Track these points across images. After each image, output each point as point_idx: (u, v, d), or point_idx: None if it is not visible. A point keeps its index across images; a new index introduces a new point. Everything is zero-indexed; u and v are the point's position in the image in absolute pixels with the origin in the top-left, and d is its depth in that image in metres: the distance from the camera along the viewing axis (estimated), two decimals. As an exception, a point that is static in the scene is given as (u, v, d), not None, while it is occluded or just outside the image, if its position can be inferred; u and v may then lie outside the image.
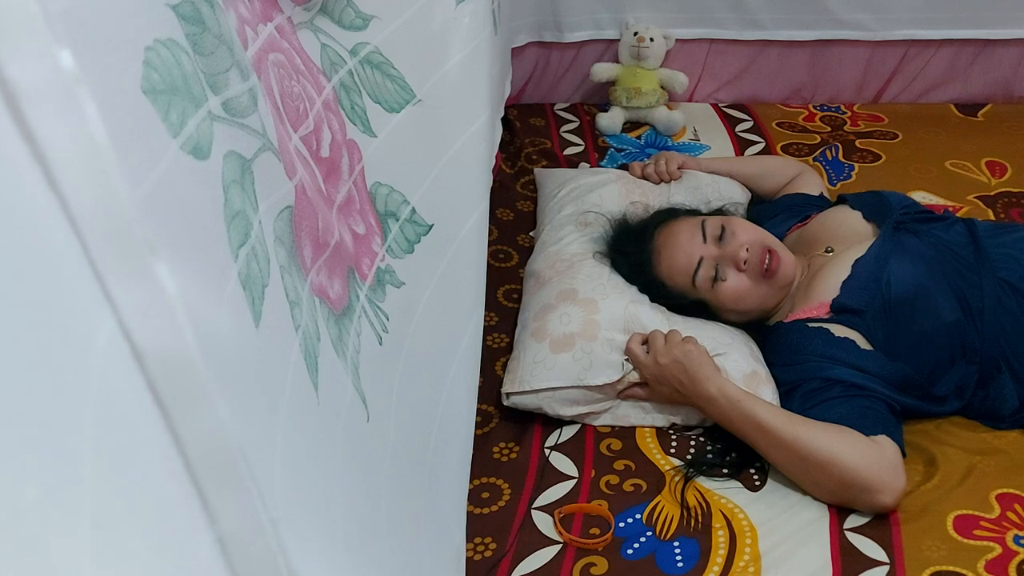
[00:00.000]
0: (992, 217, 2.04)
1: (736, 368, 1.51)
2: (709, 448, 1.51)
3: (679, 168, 2.00)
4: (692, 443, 1.54)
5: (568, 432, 1.56)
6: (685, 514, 1.39)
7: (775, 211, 1.92)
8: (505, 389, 1.56)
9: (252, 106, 0.66)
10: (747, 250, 1.58)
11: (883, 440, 1.37)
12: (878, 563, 1.29)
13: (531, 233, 2.04)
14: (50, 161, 0.45)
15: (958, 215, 1.90)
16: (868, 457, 1.34)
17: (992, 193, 2.14)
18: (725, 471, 1.46)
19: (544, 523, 1.40)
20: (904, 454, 1.39)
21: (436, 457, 1.15)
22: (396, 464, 0.96)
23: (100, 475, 0.47)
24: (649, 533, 1.37)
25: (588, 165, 2.31)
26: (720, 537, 1.35)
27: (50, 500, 0.44)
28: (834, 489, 1.37)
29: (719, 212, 1.80)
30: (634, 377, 1.54)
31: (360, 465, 0.82)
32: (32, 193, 0.45)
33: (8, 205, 0.43)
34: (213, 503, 0.54)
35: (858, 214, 1.72)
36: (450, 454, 1.22)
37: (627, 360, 1.53)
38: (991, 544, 1.31)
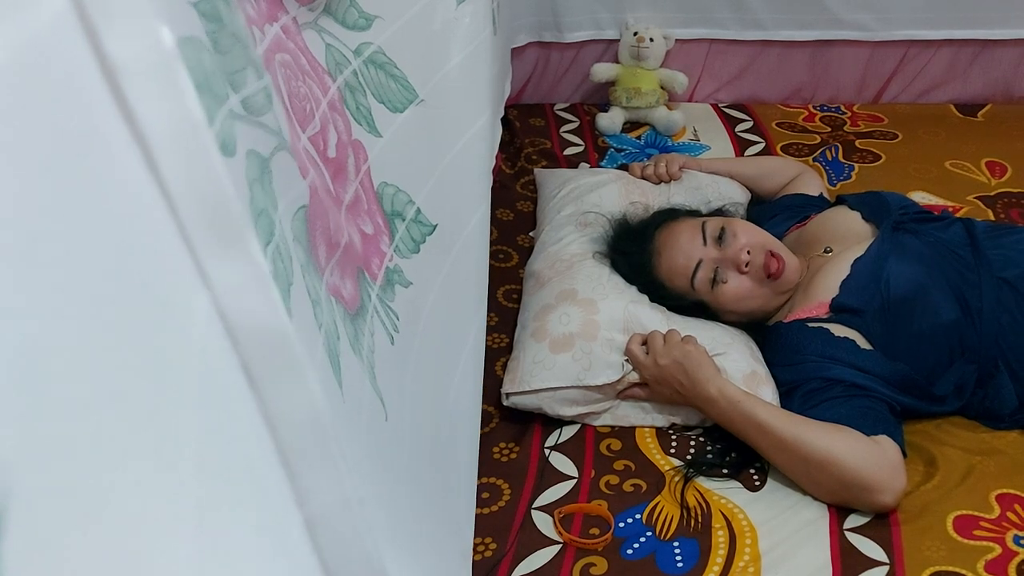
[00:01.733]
0: (992, 217, 2.04)
1: (736, 368, 1.51)
2: (709, 448, 1.51)
3: (679, 168, 2.00)
4: (692, 443, 1.54)
5: (568, 432, 1.56)
6: (685, 514, 1.39)
7: (774, 211, 1.92)
8: (505, 389, 1.56)
9: (268, 104, 0.66)
10: (748, 252, 1.58)
11: (883, 440, 1.37)
12: (878, 563, 1.29)
13: (531, 233, 2.04)
14: (148, 139, 0.45)
15: (958, 215, 1.90)
16: (869, 457, 1.35)
17: (992, 193, 2.14)
18: (725, 471, 1.46)
19: (544, 523, 1.40)
20: (905, 454, 1.39)
21: (446, 456, 1.15)
22: (412, 463, 0.96)
23: (202, 455, 0.48)
24: (649, 533, 1.37)
25: (588, 165, 2.31)
26: (720, 537, 1.35)
27: (155, 481, 0.44)
28: (834, 489, 1.37)
29: (719, 212, 1.80)
30: (634, 377, 1.54)
31: (383, 463, 0.83)
32: (129, 170, 0.45)
33: (107, 183, 0.44)
34: (304, 482, 0.54)
35: (857, 214, 1.72)
36: (459, 453, 1.23)
37: (627, 360, 1.53)
38: (991, 544, 1.31)
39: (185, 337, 0.48)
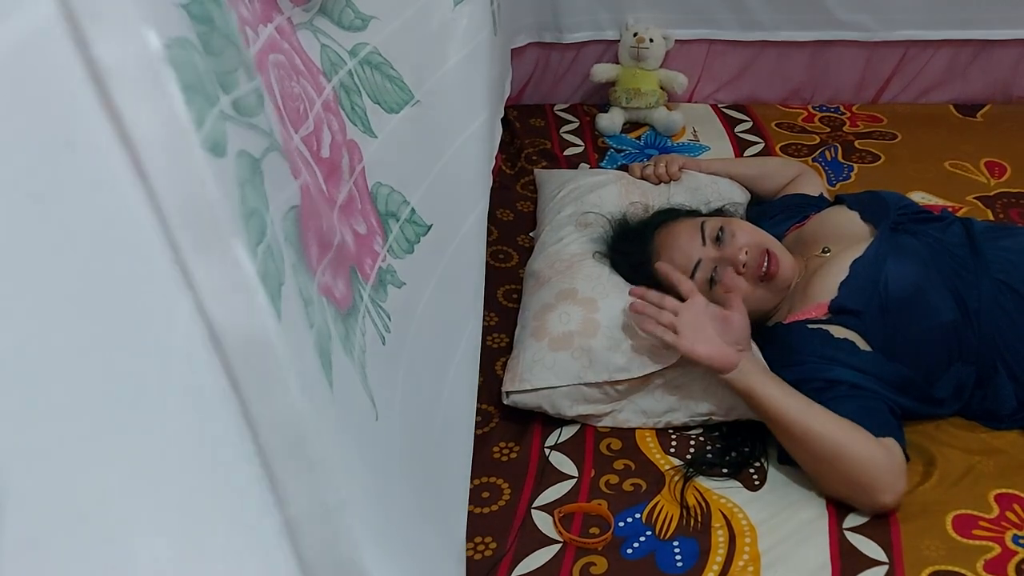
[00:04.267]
0: (991, 217, 2.04)
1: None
2: (709, 448, 1.52)
3: (679, 169, 2.00)
4: (692, 443, 1.54)
5: (568, 432, 1.56)
6: (684, 514, 1.39)
7: (774, 212, 1.92)
8: (505, 387, 1.56)
9: (259, 106, 0.66)
10: (746, 253, 1.58)
11: (889, 442, 1.37)
12: (877, 563, 1.29)
13: (531, 233, 2.04)
14: (134, 142, 0.45)
15: (957, 215, 1.90)
16: (877, 457, 1.34)
17: (991, 193, 2.14)
18: (725, 471, 1.46)
19: (544, 523, 1.40)
20: (908, 458, 1.39)
21: (438, 457, 1.15)
22: (403, 463, 0.96)
23: (183, 458, 0.48)
24: (649, 533, 1.37)
25: (588, 166, 2.32)
26: (719, 537, 1.35)
27: (136, 484, 0.45)
28: (839, 483, 1.37)
29: (719, 213, 1.80)
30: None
31: (372, 464, 0.83)
32: (115, 173, 0.45)
33: (92, 186, 0.44)
34: (284, 485, 0.55)
35: (855, 214, 1.72)
36: (452, 454, 1.23)
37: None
38: (990, 544, 1.31)
39: (167, 339, 0.48)
